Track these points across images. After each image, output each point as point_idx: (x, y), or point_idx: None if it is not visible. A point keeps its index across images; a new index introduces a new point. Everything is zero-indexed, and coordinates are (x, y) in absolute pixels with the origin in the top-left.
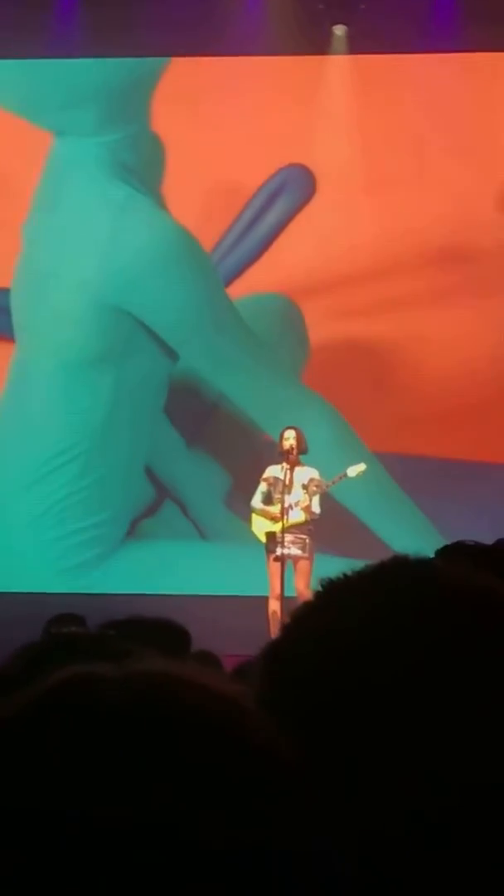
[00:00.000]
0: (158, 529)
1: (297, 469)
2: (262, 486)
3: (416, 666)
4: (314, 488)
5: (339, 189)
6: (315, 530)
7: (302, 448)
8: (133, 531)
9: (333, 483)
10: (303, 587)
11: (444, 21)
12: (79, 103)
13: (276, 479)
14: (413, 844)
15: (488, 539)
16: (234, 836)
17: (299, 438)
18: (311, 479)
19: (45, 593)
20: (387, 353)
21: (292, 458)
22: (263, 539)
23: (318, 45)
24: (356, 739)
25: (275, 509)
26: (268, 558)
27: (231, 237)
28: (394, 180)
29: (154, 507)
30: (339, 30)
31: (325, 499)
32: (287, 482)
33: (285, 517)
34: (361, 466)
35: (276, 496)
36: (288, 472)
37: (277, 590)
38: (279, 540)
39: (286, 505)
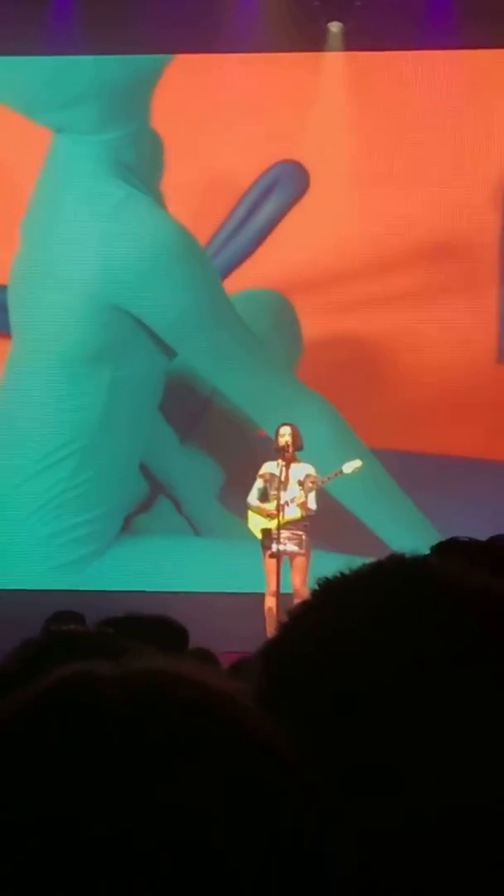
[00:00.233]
0: (152, 525)
1: (293, 465)
2: (259, 483)
3: (415, 665)
4: (310, 485)
5: (332, 185)
6: (311, 526)
7: (298, 444)
8: (127, 527)
9: (329, 479)
10: (299, 584)
11: (438, 18)
12: (79, 101)
13: (272, 475)
14: (413, 844)
15: (485, 535)
16: (235, 835)
17: (295, 435)
18: (307, 476)
19: (39, 590)
20: (380, 349)
21: (288, 455)
22: (260, 536)
23: (314, 42)
24: (355, 739)
25: (271, 506)
26: (264, 555)
27: (224, 233)
28: (387, 177)
29: (148, 502)
30: (334, 26)
31: (322, 495)
32: (283, 479)
33: (281, 514)
34: (357, 463)
35: (272, 493)
36: (284, 468)
37: (274, 586)
38: (275, 536)
39: (282, 502)
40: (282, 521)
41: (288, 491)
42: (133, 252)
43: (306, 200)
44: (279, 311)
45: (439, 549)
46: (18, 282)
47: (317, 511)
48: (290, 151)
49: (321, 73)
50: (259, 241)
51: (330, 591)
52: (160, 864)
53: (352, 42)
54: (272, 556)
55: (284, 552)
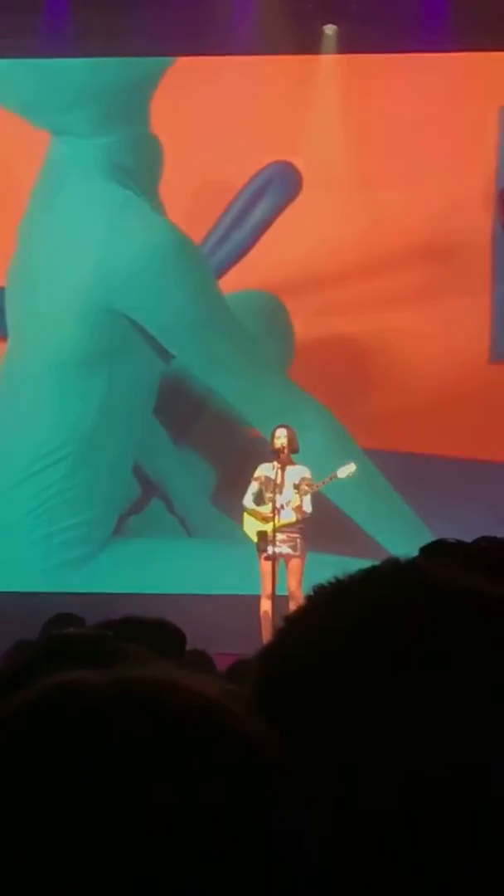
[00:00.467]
0: (145, 526)
1: (289, 468)
2: (254, 486)
3: (409, 669)
4: (305, 488)
5: (325, 186)
6: (306, 529)
7: (293, 447)
8: (120, 528)
9: (324, 484)
10: (294, 586)
11: (432, 21)
12: (77, 104)
13: (268, 478)
14: (409, 845)
15: (479, 536)
16: (227, 839)
17: (290, 437)
18: (303, 479)
19: (31, 592)
20: (373, 350)
21: (283, 457)
22: (255, 538)
23: (309, 45)
24: (350, 742)
25: (266, 509)
26: (259, 558)
27: (217, 234)
28: (381, 178)
29: (141, 504)
30: (329, 29)
31: (317, 497)
32: (278, 482)
33: (276, 517)
34: (352, 467)
35: (268, 496)
36: (279, 471)
37: (269, 589)
38: (270, 539)
39: (277, 505)
40: (277, 524)
41: (283, 494)
42: (130, 255)
43: (300, 202)
44: (272, 312)
45: (426, 551)
46: (15, 284)
47: (312, 513)
48: (285, 153)
49: (316, 76)
50: (252, 242)
51: (325, 597)
52: (150, 871)
53: (346, 45)
54: (267, 558)
55: (280, 555)
